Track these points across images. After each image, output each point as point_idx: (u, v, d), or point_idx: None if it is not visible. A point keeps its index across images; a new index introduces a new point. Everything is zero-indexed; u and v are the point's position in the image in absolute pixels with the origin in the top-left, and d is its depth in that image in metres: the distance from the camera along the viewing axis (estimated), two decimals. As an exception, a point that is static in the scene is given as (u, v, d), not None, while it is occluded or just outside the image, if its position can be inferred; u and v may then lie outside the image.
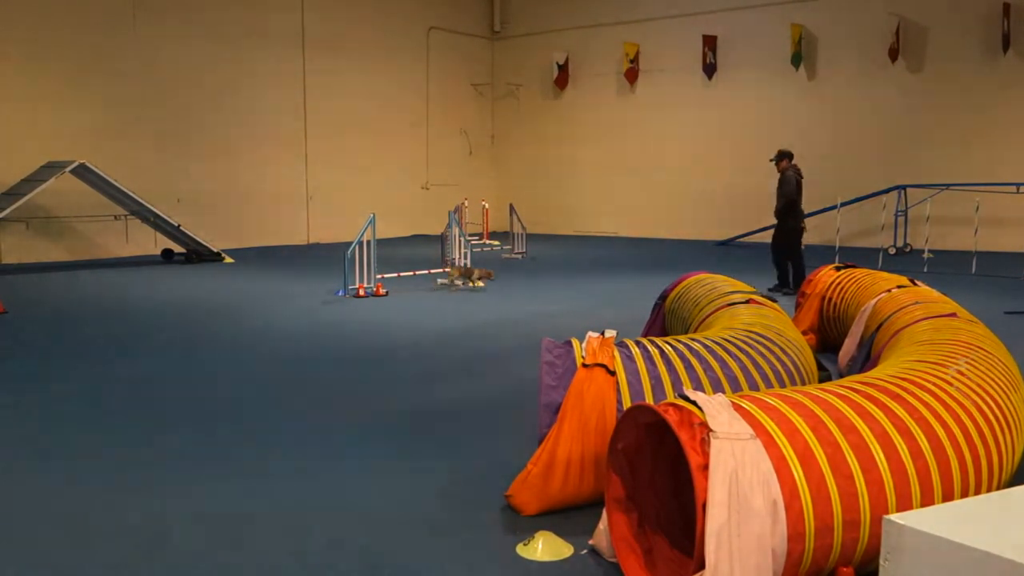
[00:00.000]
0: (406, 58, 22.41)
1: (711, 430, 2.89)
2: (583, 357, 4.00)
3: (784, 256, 11.69)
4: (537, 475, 3.87)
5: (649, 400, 3.92)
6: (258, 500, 4.12)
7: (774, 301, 6.10)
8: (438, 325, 9.11)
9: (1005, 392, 3.83)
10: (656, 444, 3.39)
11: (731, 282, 6.77)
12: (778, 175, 11.76)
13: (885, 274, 7.47)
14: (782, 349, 4.65)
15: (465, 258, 12.78)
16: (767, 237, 13.25)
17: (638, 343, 4.32)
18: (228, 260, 15.62)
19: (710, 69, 21.13)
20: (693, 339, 4.53)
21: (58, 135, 15.33)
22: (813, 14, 19.63)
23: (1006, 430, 3.60)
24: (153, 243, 16.15)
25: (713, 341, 4.49)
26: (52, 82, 15.61)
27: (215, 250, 15.71)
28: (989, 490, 3.35)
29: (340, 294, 11.16)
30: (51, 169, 13.98)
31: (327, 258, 15.78)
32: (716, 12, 20.88)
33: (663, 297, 7.37)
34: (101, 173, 14.22)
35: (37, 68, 15.43)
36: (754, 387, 4.20)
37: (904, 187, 17.18)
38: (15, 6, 15.08)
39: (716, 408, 2.99)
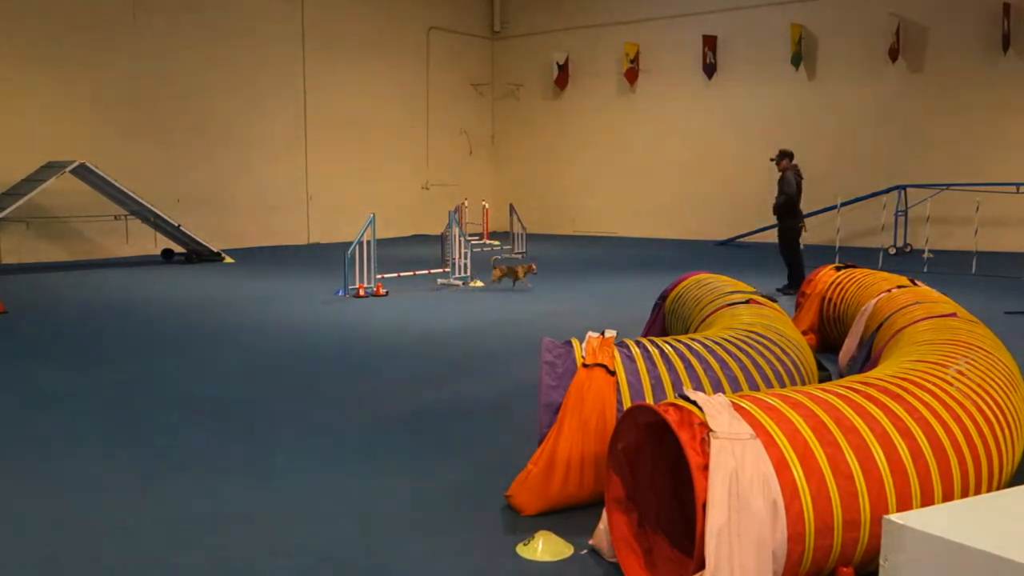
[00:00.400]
0: (406, 58, 22.41)
1: (711, 430, 2.89)
2: (583, 357, 4.00)
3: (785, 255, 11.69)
4: (537, 475, 3.88)
5: (649, 400, 3.92)
6: (258, 499, 4.12)
7: (774, 301, 6.11)
8: (438, 325, 9.11)
9: (1005, 392, 3.83)
10: (656, 444, 3.39)
11: (731, 282, 6.78)
12: (778, 174, 11.75)
13: (885, 274, 7.47)
14: (782, 349, 4.65)
15: (465, 258, 12.74)
16: (767, 237, 13.24)
17: (638, 343, 4.32)
18: (228, 260, 15.62)
19: (710, 69, 21.13)
20: (693, 339, 4.53)
21: (58, 135, 15.34)
22: (813, 14, 19.63)
23: (1006, 430, 3.60)
24: (153, 243, 16.14)
25: (713, 341, 4.50)
26: (52, 82, 15.62)
27: (215, 250, 15.71)
28: (989, 490, 3.35)
29: (340, 294, 11.16)
30: (51, 169, 13.98)
31: (327, 258, 15.78)
32: (716, 12, 20.88)
33: (663, 297, 7.38)
34: (101, 173, 14.22)
35: (37, 68, 15.43)
36: (754, 387, 4.20)
37: (904, 187, 17.17)
38: (15, 6, 15.09)
39: (716, 408, 3.00)
